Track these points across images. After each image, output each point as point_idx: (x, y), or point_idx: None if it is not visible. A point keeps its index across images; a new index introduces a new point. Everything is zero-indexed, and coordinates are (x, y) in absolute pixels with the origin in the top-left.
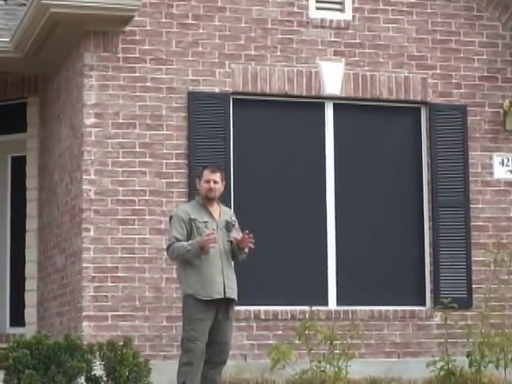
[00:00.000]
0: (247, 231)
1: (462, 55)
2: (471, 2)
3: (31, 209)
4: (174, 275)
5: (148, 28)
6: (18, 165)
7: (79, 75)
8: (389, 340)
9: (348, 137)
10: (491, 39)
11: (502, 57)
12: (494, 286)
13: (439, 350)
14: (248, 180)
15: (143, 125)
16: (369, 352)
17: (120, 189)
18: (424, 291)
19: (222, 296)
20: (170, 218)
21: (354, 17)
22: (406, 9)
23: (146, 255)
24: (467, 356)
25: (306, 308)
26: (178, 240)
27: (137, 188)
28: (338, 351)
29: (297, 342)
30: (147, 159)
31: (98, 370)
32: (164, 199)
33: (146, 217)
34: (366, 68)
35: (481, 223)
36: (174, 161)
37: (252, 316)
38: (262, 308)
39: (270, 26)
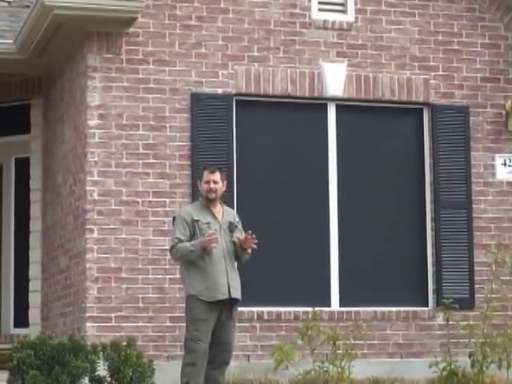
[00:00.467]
0: (250, 232)
1: (464, 56)
2: (473, 4)
3: (35, 210)
4: (178, 276)
5: (151, 29)
6: (22, 166)
7: (83, 76)
8: (391, 340)
9: (350, 138)
10: (493, 40)
11: (504, 58)
12: (496, 286)
13: (441, 351)
14: (251, 181)
15: (146, 126)
16: (371, 352)
17: (123, 190)
18: (426, 292)
19: (226, 296)
20: (173, 218)
21: (356, 18)
22: (408, 10)
23: (150, 256)
24: (469, 356)
25: (309, 309)
26: (180, 241)
27: (140, 189)
28: (340, 351)
29: (300, 342)
30: (150, 160)
31: (102, 370)
32: (167, 200)
33: (150, 218)
34: (369, 69)
35: (483, 224)
36: (177, 162)
37: (255, 317)
38: (265, 309)
39: (272, 27)
